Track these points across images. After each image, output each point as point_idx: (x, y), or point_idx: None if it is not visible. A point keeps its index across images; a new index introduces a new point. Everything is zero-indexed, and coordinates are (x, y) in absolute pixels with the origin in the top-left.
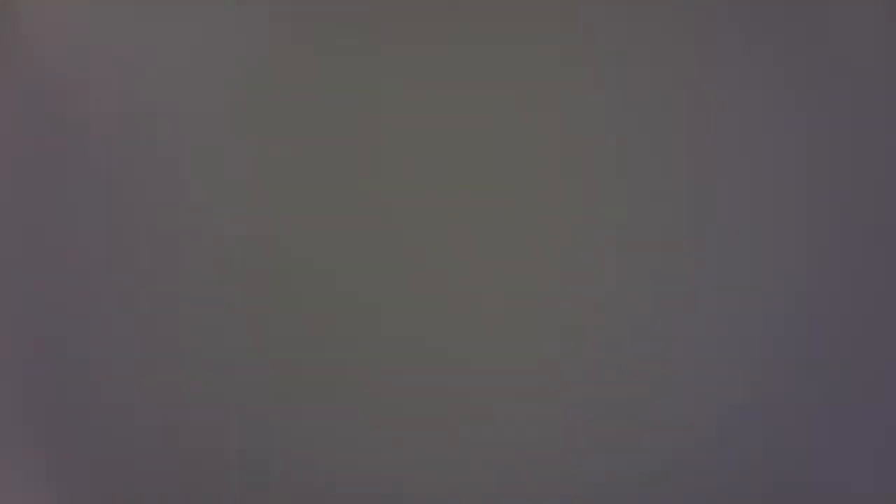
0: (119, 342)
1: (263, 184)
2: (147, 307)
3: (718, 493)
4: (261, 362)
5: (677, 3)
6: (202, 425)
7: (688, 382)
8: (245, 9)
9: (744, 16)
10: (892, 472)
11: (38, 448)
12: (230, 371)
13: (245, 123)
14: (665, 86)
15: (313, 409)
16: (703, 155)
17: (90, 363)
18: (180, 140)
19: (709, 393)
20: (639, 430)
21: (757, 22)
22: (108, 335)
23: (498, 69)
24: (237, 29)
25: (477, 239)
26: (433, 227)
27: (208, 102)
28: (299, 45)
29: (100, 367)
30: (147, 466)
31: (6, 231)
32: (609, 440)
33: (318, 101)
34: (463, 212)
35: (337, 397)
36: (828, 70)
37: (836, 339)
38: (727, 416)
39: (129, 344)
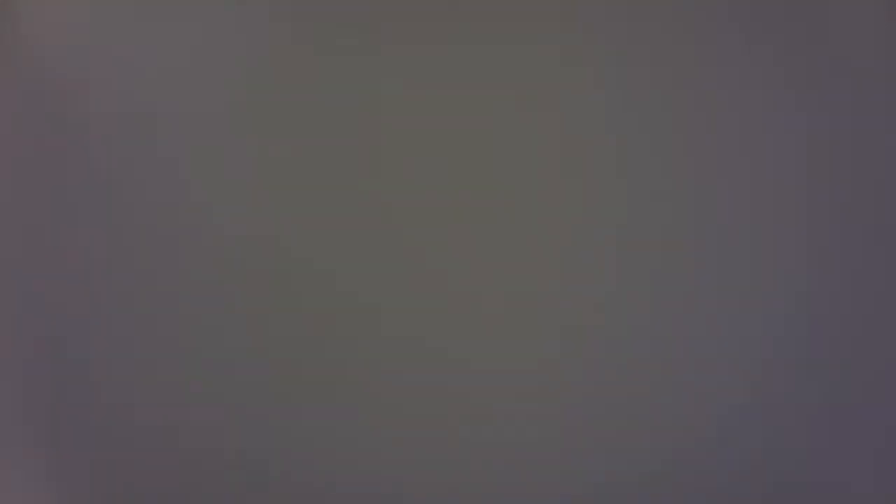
0: (119, 342)
1: (263, 184)
2: (147, 307)
3: (718, 493)
4: (261, 362)
5: (677, 3)
6: (202, 425)
7: (688, 382)
8: (245, 9)
9: (744, 16)
10: (892, 472)
11: (38, 448)
12: (230, 371)
13: (245, 123)
14: (665, 86)
15: (313, 409)
16: (703, 155)
17: (90, 363)
18: (180, 140)
19: (709, 393)
20: (639, 430)
21: (757, 22)
22: (108, 335)
23: (498, 69)
24: (237, 29)
25: (477, 239)
26: (433, 227)
27: (208, 102)
28: (299, 45)
29: (100, 367)
30: (147, 466)
31: (6, 231)
32: (609, 440)
33: (318, 101)
34: (463, 212)
35: (337, 397)
36: (828, 70)
37: (836, 339)
38: (727, 416)
39: (129, 344)
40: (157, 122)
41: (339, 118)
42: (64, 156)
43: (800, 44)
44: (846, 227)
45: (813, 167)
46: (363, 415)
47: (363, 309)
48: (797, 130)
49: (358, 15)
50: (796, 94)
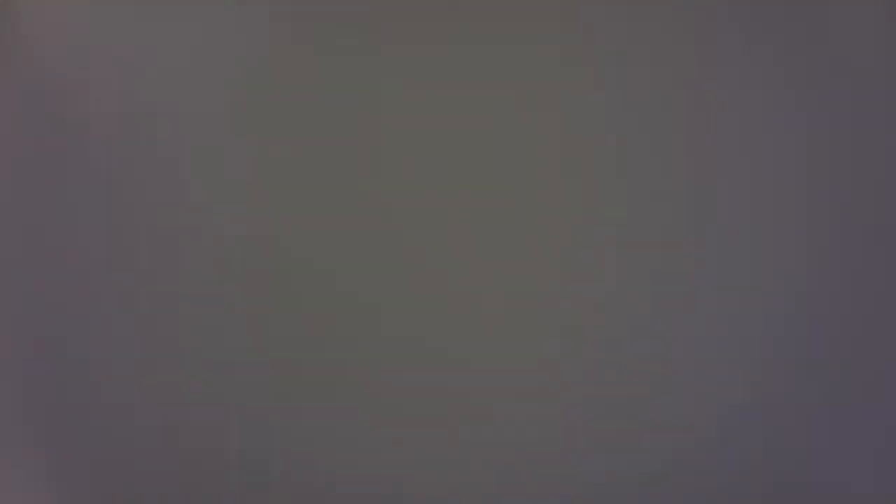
0: (119, 342)
1: (263, 184)
2: (147, 307)
3: (718, 493)
4: (261, 362)
5: (677, 3)
6: (202, 425)
7: (688, 382)
8: (245, 9)
9: (744, 16)
10: (892, 472)
11: (38, 448)
12: (230, 371)
13: (245, 123)
14: (665, 86)
15: (313, 409)
16: (703, 155)
17: (90, 363)
18: (180, 140)
19: (709, 393)
20: (639, 430)
21: (757, 22)
22: (108, 335)
23: (498, 69)
24: (237, 29)
25: (477, 239)
26: (433, 227)
27: (208, 102)
28: (299, 45)
29: (100, 367)
30: (147, 466)
31: (6, 231)
32: (609, 440)
33: (318, 101)
34: (463, 212)
35: (337, 397)
36: (828, 70)
37: (836, 339)
38: (727, 416)
39: (129, 344)
40: (157, 122)
41: (339, 118)
42: (64, 156)
43: (800, 44)
44: (846, 227)
45: (813, 167)
46: (363, 415)
47: (363, 309)
48: (797, 130)
49: (358, 15)
50: (796, 94)
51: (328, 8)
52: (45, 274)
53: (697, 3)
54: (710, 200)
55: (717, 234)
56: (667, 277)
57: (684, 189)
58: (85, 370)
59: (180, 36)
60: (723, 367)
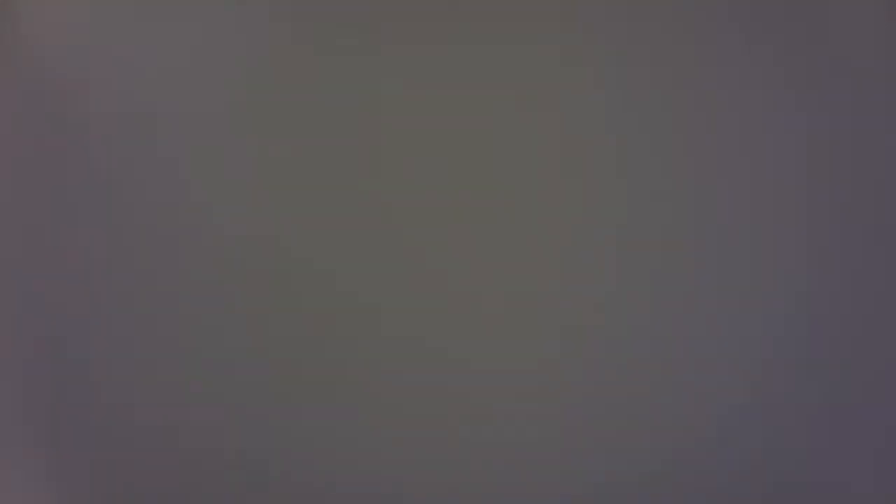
0: (119, 342)
1: (263, 184)
2: (147, 307)
3: (718, 493)
4: (261, 362)
5: (677, 3)
6: (202, 425)
7: (688, 382)
8: (245, 9)
9: (744, 16)
10: (892, 472)
11: (38, 448)
12: (230, 371)
13: (245, 123)
14: (665, 86)
15: (313, 409)
16: (703, 155)
17: (90, 363)
18: (180, 140)
19: (709, 393)
20: (639, 430)
21: (757, 22)
22: (108, 335)
23: (498, 69)
24: (237, 29)
25: (477, 239)
26: (433, 227)
27: (208, 102)
28: (299, 45)
29: (100, 367)
30: (147, 466)
31: (6, 231)
32: (609, 440)
33: (318, 101)
34: (463, 212)
35: (337, 397)
36: (828, 70)
37: (836, 339)
38: (727, 416)
39: (129, 344)
40: (157, 122)
41: (339, 118)
42: (64, 156)
43: (800, 44)
44: (846, 227)
45: (813, 167)
46: (363, 415)
47: (363, 309)
48: (797, 130)
49: (358, 15)
50: (796, 94)
51: (328, 8)
52: (45, 274)
53: (697, 3)
54: (710, 200)
55: (717, 234)
56: (667, 277)
57: (684, 189)
58: (85, 370)
59: (180, 36)
60: (723, 367)
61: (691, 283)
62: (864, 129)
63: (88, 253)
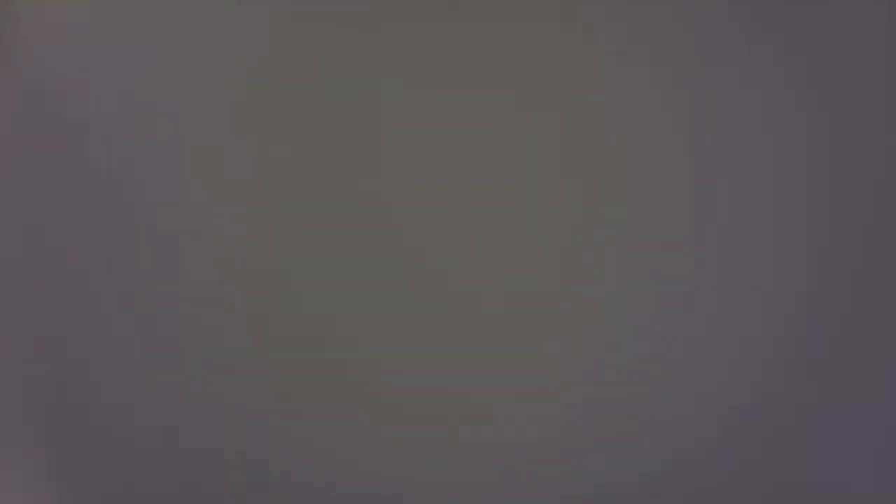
0: (119, 342)
1: (263, 184)
2: (147, 307)
3: (718, 493)
4: (261, 362)
5: (677, 3)
6: (202, 425)
7: (688, 382)
8: (245, 9)
9: (744, 16)
10: (892, 472)
11: (38, 448)
12: (230, 371)
13: (245, 123)
14: (665, 86)
15: (313, 409)
16: (703, 155)
17: (90, 363)
18: (180, 140)
19: (709, 393)
20: (639, 430)
21: (757, 22)
22: (108, 335)
23: (498, 69)
24: (237, 29)
25: (477, 239)
26: (433, 227)
27: (208, 102)
28: (299, 45)
29: (100, 367)
30: (147, 466)
31: (6, 231)
32: (609, 440)
33: (318, 101)
34: (463, 212)
35: (337, 397)
36: (828, 70)
37: (836, 339)
38: (727, 416)
39: (129, 344)
40: (157, 122)
41: (339, 118)
42: (64, 156)
43: (800, 44)
44: (846, 227)
45: (813, 167)
46: (363, 415)
47: (363, 309)
48: (797, 130)
49: (358, 15)
50: (796, 94)
51: (328, 8)
52: (45, 274)
53: (697, 3)
54: (710, 200)
55: (717, 234)
56: (667, 277)
57: (684, 189)
58: (85, 370)
59: (180, 36)
60: (723, 367)
61: (691, 283)
62: (864, 129)
63: (88, 253)
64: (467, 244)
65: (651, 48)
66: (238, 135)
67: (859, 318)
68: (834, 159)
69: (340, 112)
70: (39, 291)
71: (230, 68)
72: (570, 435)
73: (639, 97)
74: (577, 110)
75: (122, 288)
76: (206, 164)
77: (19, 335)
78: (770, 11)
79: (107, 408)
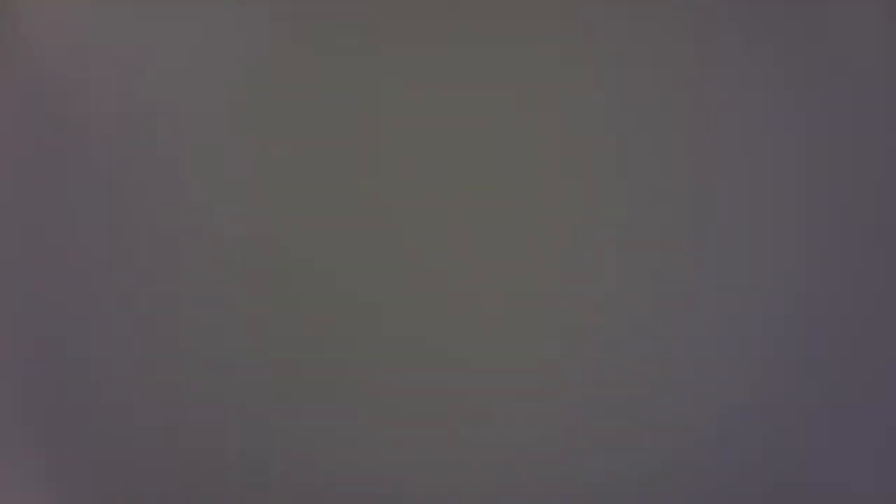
0: (119, 342)
1: (263, 184)
2: (147, 307)
3: (718, 493)
4: (261, 362)
5: (677, 3)
6: (202, 425)
7: (688, 382)
8: (245, 9)
9: (744, 16)
10: (892, 472)
11: (38, 448)
12: (230, 371)
13: (245, 123)
14: (665, 86)
15: (313, 409)
16: (703, 155)
17: (90, 363)
18: (180, 140)
19: (709, 393)
20: (639, 430)
21: (757, 22)
22: (108, 335)
23: (498, 69)
24: (237, 29)
25: (477, 239)
26: (433, 227)
27: (208, 102)
28: (299, 45)
29: (100, 367)
30: (147, 466)
31: (6, 231)
32: (609, 440)
33: (318, 101)
34: (463, 212)
35: (337, 397)
36: (828, 70)
37: (836, 339)
38: (727, 416)
39: (129, 344)
40: (157, 122)
41: (339, 118)
42: (64, 156)
43: (800, 44)
44: (846, 227)
45: (813, 167)
46: (363, 415)
47: (363, 309)
48: (797, 130)
49: (358, 15)
50: (796, 94)
51: (328, 8)
52: (45, 274)
53: (697, 3)
54: (710, 200)
55: (717, 234)
56: (667, 277)
57: (684, 189)
58: (85, 370)
59: (180, 36)
60: (723, 367)
61: (691, 283)
62: (864, 129)
63: (88, 253)
64: (467, 244)
65: (651, 48)
66: (238, 135)
67: (859, 318)
68: (834, 159)
69: (340, 112)
70: (39, 291)
71: (230, 68)
72: (570, 435)
73: (639, 97)
74: (577, 110)
75: (122, 288)
76: (206, 164)
77: (19, 335)
78: (770, 11)
79: (107, 408)
